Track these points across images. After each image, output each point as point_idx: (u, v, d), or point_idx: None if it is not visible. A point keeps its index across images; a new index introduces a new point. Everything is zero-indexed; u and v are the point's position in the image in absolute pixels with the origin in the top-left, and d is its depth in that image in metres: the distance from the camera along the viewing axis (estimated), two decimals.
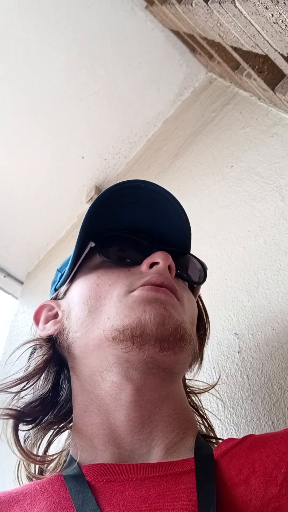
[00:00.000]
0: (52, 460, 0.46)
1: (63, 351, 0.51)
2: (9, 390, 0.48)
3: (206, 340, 0.58)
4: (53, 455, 0.46)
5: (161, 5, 1.01)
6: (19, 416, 0.48)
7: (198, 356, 0.54)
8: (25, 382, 0.49)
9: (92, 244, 0.50)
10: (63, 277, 0.54)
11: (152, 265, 0.48)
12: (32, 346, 0.53)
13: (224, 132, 1.08)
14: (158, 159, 1.30)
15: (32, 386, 0.50)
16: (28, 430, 0.49)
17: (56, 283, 0.57)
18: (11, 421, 0.47)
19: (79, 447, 0.44)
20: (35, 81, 1.25)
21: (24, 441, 0.48)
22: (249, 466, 0.37)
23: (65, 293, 0.53)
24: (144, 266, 0.48)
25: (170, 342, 0.43)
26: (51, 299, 0.56)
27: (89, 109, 1.34)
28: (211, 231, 0.91)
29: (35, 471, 0.48)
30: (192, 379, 0.59)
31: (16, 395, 0.48)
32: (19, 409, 0.48)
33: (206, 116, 1.19)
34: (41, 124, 1.34)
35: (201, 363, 0.57)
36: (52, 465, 0.46)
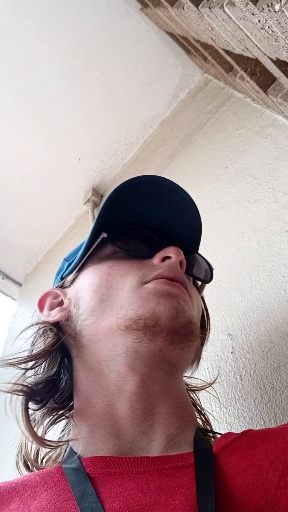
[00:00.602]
0: (56, 446, 0.46)
1: (68, 338, 0.50)
2: (19, 366, 0.48)
3: (206, 340, 0.59)
4: (58, 441, 0.46)
5: (155, 7, 1.02)
6: (31, 394, 0.47)
7: (198, 354, 0.55)
8: (34, 361, 0.49)
9: (104, 235, 0.50)
10: (72, 266, 0.54)
11: (164, 259, 0.49)
12: (39, 328, 0.52)
13: (219, 134, 1.08)
14: (154, 161, 1.30)
15: (38, 367, 0.49)
16: (34, 410, 0.49)
17: (63, 271, 0.57)
18: (20, 398, 0.47)
19: (80, 439, 0.44)
20: (34, 81, 1.26)
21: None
22: (247, 460, 0.38)
23: (72, 282, 0.53)
24: (156, 259, 0.49)
25: (180, 336, 0.44)
26: (56, 287, 0.56)
27: (86, 110, 1.34)
28: (206, 233, 0.90)
29: (34, 459, 0.48)
30: (189, 377, 0.59)
31: (24, 373, 0.48)
32: (31, 386, 0.48)
33: (201, 118, 1.19)
34: (40, 125, 1.34)
35: (198, 362, 0.57)
36: (54, 456, 0.47)
